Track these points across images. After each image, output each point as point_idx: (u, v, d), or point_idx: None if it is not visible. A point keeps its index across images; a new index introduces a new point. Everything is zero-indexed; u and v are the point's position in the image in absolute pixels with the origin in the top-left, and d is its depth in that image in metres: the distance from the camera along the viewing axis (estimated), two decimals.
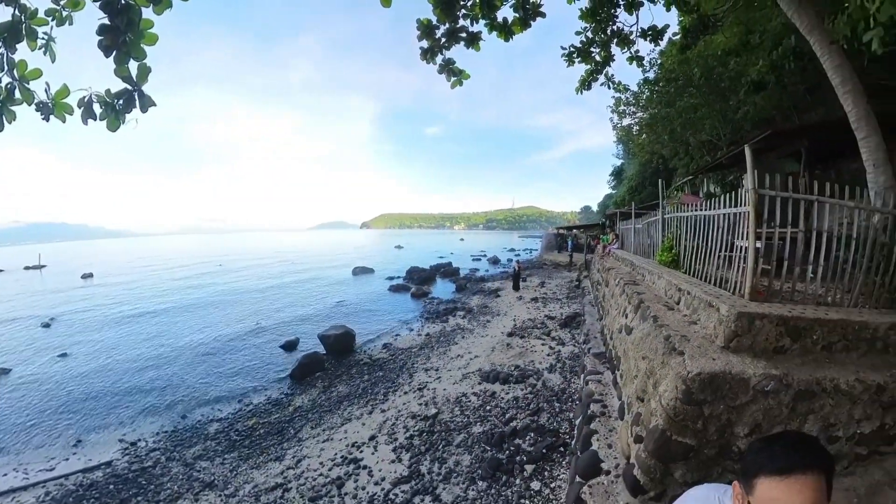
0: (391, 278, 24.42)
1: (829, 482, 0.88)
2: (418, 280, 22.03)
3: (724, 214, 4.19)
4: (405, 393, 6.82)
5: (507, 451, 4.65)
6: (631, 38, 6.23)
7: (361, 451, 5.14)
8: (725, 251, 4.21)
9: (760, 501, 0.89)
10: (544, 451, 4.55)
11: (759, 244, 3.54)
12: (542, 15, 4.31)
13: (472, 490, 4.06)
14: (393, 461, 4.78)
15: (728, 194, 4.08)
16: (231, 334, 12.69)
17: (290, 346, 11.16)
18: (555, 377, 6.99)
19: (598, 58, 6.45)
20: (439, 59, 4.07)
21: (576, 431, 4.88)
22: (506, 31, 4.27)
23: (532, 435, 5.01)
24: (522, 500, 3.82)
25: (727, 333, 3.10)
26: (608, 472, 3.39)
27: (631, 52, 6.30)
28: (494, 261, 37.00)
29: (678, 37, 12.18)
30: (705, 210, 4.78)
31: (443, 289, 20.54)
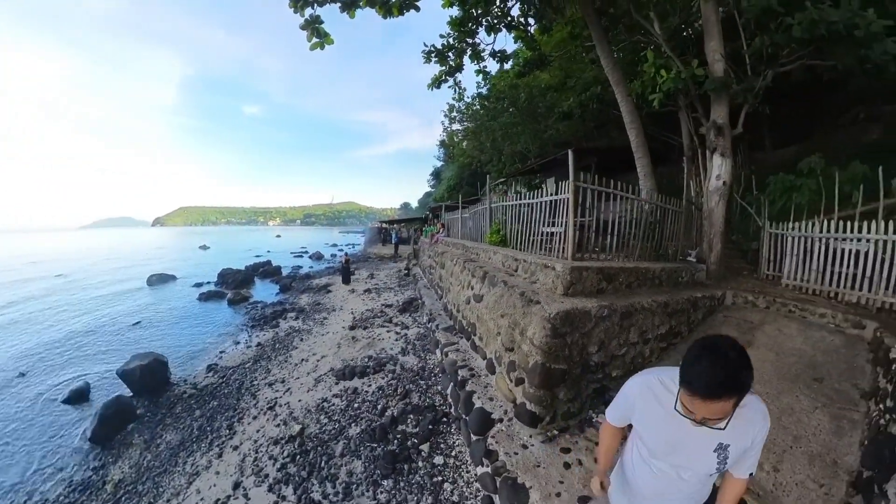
0: (200, 284, 19.36)
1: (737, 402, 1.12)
2: (234, 284, 18.16)
3: (548, 201, 5.36)
4: (255, 418, 5.56)
5: (396, 440, 4.55)
6: (483, 54, 7.21)
7: None
8: (547, 228, 5.48)
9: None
10: (430, 426, 4.70)
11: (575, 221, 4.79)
12: (417, 8, 4.33)
13: (381, 493, 3.77)
14: (276, 503, 3.85)
15: (538, 189, 5.59)
16: None
17: (78, 398, 7.18)
18: (410, 359, 7.24)
19: (451, 62, 7.11)
20: (308, 11, 3.45)
21: (451, 400, 5.24)
22: (386, 7, 4.05)
23: (412, 417, 5.07)
24: (435, 479, 3.83)
25: (565, 284, 4.02)
26: (501, 420, 3.83)
27: (479, 66, 7.30)
28: (318, 257, 34.62)
29: (517, 66, 14.85)
30: (530, 199, 5.93)
31: (265, 291, 17.63)
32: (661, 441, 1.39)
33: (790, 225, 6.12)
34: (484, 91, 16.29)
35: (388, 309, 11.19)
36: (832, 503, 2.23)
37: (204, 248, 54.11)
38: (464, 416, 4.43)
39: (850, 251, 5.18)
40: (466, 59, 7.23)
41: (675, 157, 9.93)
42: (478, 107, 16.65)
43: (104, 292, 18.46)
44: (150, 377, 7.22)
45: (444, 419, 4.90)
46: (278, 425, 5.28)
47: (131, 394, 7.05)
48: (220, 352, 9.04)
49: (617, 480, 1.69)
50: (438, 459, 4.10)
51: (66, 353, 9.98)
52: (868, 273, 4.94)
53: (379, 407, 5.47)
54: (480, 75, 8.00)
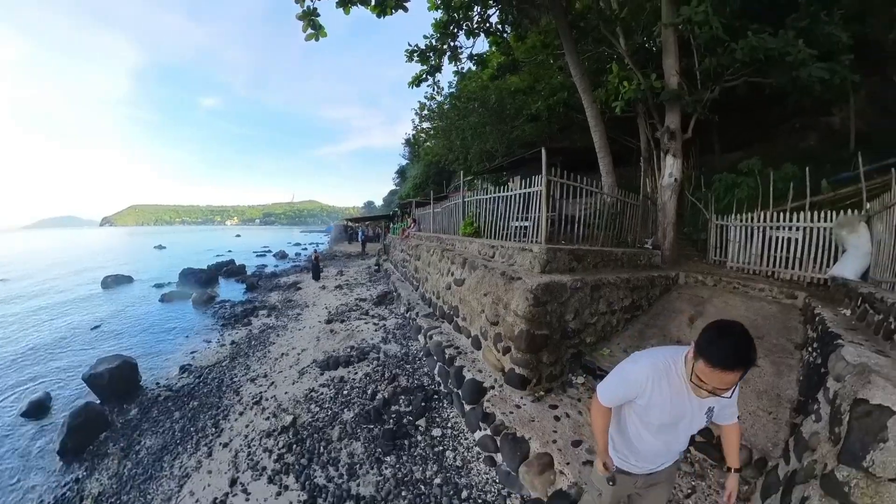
0: (160, 285, 18.11)
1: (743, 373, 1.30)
2: (197, 283, 17.21)
3: (520, 194, 5.81)
4: (241, 413, 5.39)
5: (392, 420, 4.67)
6: (461, 57, 7.60)
7: None
8: (518, 222, 5.98)
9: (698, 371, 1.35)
10: (423, 404, 4.88)
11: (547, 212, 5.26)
12: (405, 9, 4.53)
13: (386, 468, 3.86)
14: (279, 493, 3.75)
15: (505, 186, 6.03)
16: None
17: (39, 410, 6.53)
18: (392, 346, 7.36)
19: (432, 63, 7.44)
20: (308, 3, 3.57)
21: (439, 378, 5.47)
22: (381, 7, 4.23)
23: (403, 397, 5.22)
24: (436, 449, 4.01)
25: (542, 262, 4.45)
26: (492, 387, 4.12)
27: (458, 68, 7.67)
28: (282, 255, 33.47)
29: (490, 69, 15.40)
30: (503, 192, 6.40)
31: (231, 290, 16.85)
32: (667, 415, 1.56)
33: (733, 217, 6.98)
34: (455, 91, 16.77)
35: (363, 303, 11.20)
36: (780, 424, 2.73)
37: (160, 248, 50.79)
38: (455, 390, 4.68)
39: (784, 238, 6.04)
40: (445, 60, 7.60)
41: (633, 158, 10.79)
42: (448, 106, 17.10)
43: (57, 297, 16.77)
44: (119, 380, 6.68)
45: (435, 396, 5.12)
46: (268, 418, 5.20)
47: (99, 401, 6.52)
48: (192, 352, 8.59)
49: (619, 444, 1.82)
50: (436, 432, 4.31)
51: (18, 362, 9.03)
52: (798, 255, 5.80)
53: (369, 392, 5.57)
54: (457, 76, 8.52)
